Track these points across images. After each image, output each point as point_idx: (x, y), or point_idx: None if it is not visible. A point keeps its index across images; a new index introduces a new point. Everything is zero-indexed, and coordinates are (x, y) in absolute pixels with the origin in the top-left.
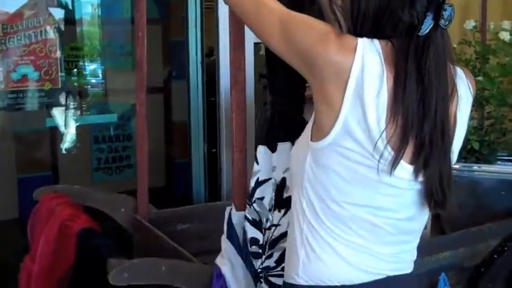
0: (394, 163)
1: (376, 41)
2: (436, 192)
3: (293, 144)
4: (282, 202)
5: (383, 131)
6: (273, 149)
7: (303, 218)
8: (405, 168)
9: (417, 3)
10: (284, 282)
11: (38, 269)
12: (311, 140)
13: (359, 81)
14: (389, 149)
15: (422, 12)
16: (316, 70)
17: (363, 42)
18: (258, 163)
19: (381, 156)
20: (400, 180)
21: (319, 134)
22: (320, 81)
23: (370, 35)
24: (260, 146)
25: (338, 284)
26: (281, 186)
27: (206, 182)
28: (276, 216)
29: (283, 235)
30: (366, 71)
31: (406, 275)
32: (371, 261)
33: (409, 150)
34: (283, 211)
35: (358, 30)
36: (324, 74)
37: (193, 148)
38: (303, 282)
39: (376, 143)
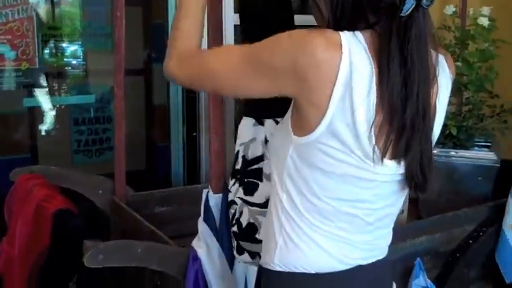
0: (379, 161)
1: (358, 34)
2: (417, 176)
3: (258, 121)
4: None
5: (371, 133)
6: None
7: (282, 209)
8: (388, 163)
9: None
10: (260, 267)
11: (17, 251)
12: (293, 133)
13: (348, 81)
14: (376, 148)
15: None
16: (306, 79)
17: (345, 37)
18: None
19: (366, 155)
20: (382, 175)
21: (302, 129)
22: (308, 86)
23: (351, 21)
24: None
25: (313, 272)
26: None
27: (185, 165)
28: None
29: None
30: (354, 69)
31: (379, 260)
32: (348, 250)
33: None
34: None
35: (338, 16)
36: (313, 78)
37: (173, 131)
38: (278, 269)
39: (363, 144)
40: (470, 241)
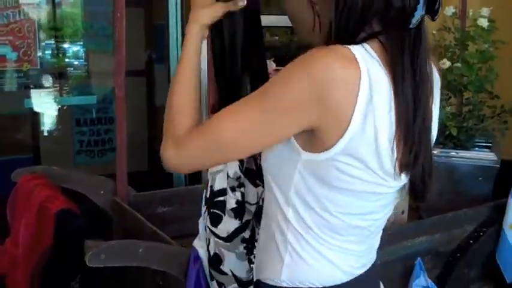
0: (397, 176)
1: (367, 46)
2: (418, 185)
3: None
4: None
5: (393, 149)
6: None
7: (287, 225)
8: (401, 176)
9: None
10: (258, 282)
11: (20, 251)
12: (302, 149)
13: (369, 98)
14: (395, 165)
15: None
16: (327, 101)
17: (358, 51)
18: None
19: (385, 172)
20: (393, 188)
21: (315, 146)
22: (328, 108)
23: (355, 29)
24: None
25: (320, 286)
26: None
27: None
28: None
29: None
30: (374, 86)
31: (373, 264)
32: (353, 260)
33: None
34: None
35: (342, 24)
36: (333, 98)
37: None
38: (284, 285)
39: (383, 162)
40: (471, 241)
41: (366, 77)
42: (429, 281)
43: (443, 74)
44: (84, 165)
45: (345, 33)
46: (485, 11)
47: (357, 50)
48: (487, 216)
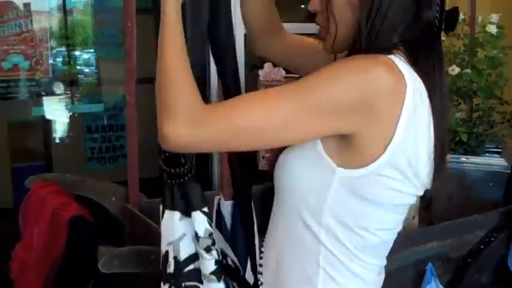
0: (425, 186)
1: (399, 55)
2: (429, 193)
3: (184, 214)
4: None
5: (430, 160)
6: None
7: (318, 248)
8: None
9: (433, 4)
10: None
11: (34, 258)
12: (337, 166)
13: (413, 108)
14: (429, 175)
15: (436, 13)
16: (373, 110)
17: (397, 61)
18: None
19: (422, 183)
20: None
21: (353, 160)
22: (373, 118)
23: (386, 39)
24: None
25: None
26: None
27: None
28: None
29: None
30: (417, 95)
31: None
32: (380, 275)
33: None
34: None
35: (370, 28)
36: (380, 108)
37: None
38: None
39: (422, 172)
40: (482, 246)
41: (410, 87)
42: (440, 286)
43: (453, 80)
44: (95, 172)
45: (375, 41)
46: (494, 17)
47: (395, 58)
48: (497, 222)
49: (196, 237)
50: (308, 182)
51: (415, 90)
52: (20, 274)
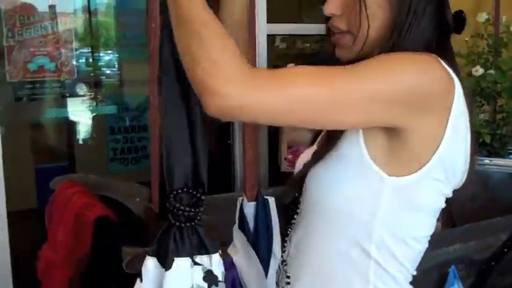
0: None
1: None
2: None
3: (194, 260)
4: None
5: (467, 164)
6: (168, 265)
7: (367, 264)
8: None
9: (448, 7)
10: None
11: (59, 258)
12: (388, 175)
13: (461, 104)
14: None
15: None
16: (432, 106)
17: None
18: (141, 280)
19: (458, 183)
20: None
21: (404, 167)
22: (430, 113)
23: (414, 35)
24: (149, 257)
25: None
26: None
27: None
28: None
29: None
30: (461, 93)
31: None
32: (411, 284)
33: None
34: None
35: (408, 27)
36: (437, 104)
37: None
38: None
39: (462, 171)
40: (505, 249)
41: (458, 87)
42: None
43: (477, 81)
44: (117, 173)
45: (408, 41)
46: None
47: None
48: None
49: (215, 283)
50: (354, 195)
51: (460, 89)
52: (45, 273)
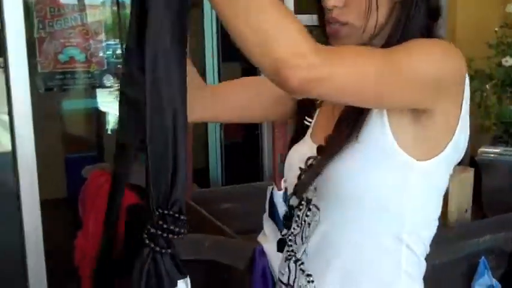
0: None
1: None
2: None
3: None
4: None
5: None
6: None
7: (399, 250)
8: None
9: None
10: None
11: (90, 245)
12: (416, 160)
13: (467, 87)
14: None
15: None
16: (455, 91)
17: None
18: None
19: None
20: None
21: (429, 151)
22: (453, 97)
23: (416, 22)
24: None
25: None
26: None
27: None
28: None
29: None
30: (466, 74)
31: None
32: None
33: None
34: None
35: (412, 14)
36: (458, 89)
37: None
38: None
39: (461, 156)
40: None
41: (467, 73)
42: (494, 279)
43: (506, 71)
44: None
45: (412, 28)
46: None
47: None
48: None
49: None
50: (385, 184)
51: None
52: (81, 260)
